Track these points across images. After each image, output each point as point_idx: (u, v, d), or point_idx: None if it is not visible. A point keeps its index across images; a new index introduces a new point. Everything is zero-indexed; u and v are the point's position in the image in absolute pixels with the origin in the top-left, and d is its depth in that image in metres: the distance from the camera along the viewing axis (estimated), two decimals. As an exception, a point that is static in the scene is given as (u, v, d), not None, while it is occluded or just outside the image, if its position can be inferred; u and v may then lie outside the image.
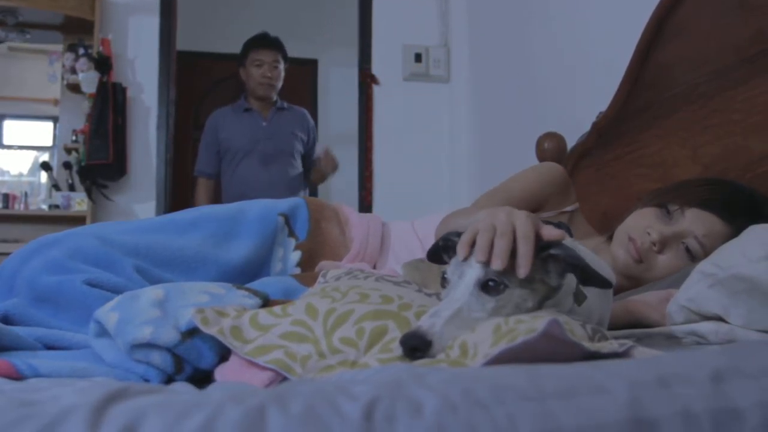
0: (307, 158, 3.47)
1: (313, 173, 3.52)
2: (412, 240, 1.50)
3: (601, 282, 0.82)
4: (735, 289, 0.97)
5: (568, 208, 1.49)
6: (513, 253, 0.78)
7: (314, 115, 4.48)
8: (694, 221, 1.27)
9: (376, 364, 0.74)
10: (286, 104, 3.50)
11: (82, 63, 3.75)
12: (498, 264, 0.77)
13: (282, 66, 3.44)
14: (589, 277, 0.81)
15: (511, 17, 3.12)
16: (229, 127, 3.36)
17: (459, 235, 0.84)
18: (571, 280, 0.84)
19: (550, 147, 2.10)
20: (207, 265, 1.25)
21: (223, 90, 5.53)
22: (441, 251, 0.88)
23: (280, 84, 3.46)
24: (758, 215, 1.23)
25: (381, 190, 3.61)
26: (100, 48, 3.61)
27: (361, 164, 3.76)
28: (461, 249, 0.81)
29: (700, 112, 1.64)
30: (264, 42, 3.43)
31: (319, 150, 3.45)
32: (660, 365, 0.61)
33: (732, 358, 0.64)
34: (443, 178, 3.68)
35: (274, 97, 3.45)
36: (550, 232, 0.82)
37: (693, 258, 1.26)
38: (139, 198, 3.68)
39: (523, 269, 0.78)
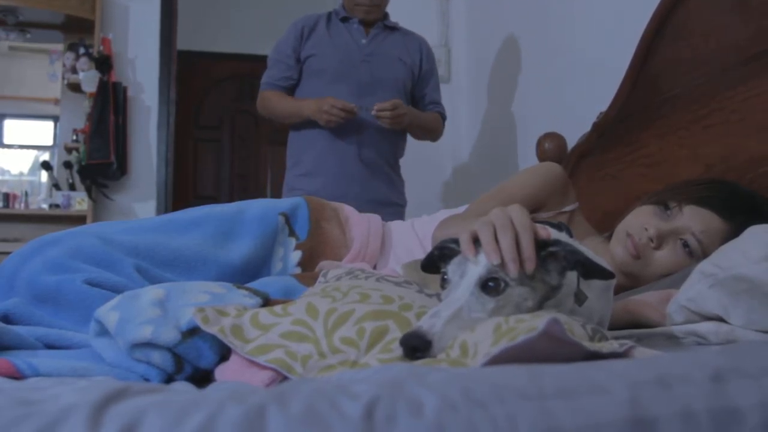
0: (415, 98, 2.61)
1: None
2: (411, 240, 1.50)
3: (602, 273, 0.82)
4: (735, 289, 0.97)
5: (568, 208, 1.49)
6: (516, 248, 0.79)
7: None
8: (692, 217, 1.27)
9: (376, 364, 0.74)
10: (399, 25, 2.66)
11: (83, 62, 3.76)
12: (513, 268, 0.77)
13: None
14: (590, 269, 0.81)
15: (511, 17, 3.12)
16: (319, 37, 2.52)
17: (455, 242, 0.84)
18: (571, 280, 0.84)
19: (550, 147, 2.10)
20: (207, 265, 1.25)
21: (223, 90, 5.54)
22: (436, 260, 0.87)
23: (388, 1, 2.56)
24: (758, 215, 1.23)
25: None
26: (101, 47, 3.62)
27: (362, 164, 3.72)
28: (467, 247, 0.81)
29: (701, 112, 1.64)
30: None
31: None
32: (660, 365, 0.61)
33: (732, 358, 0.64)
34: (443, 178, 3.67)
35: (384, 13, 2.61)
36: (540, 230, 0.82)
37: (691, 254, 1.26)
38: (139, 197, 3.68)
39: (529, 262, 0.78)
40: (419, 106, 2.61)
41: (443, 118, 2.70)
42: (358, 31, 2.55)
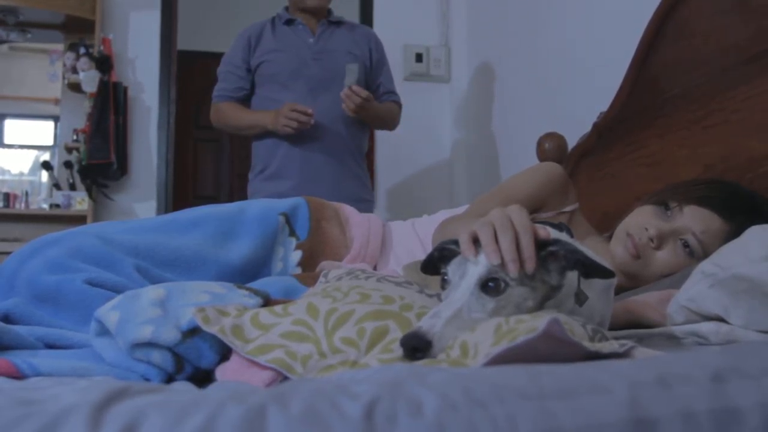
0: (370, 89, 2.54)
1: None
2: (412, 240, 1.50)
3: (602, 272, 0.82)
4: (735, 289, 0.97)
5: (568, 208, 1.49)
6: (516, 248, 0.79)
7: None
8: (693, 218, 1.27)
9: (376, 364, 0.74)
10: (344, 19, 2.68)
11: (83, 62, 3.76)
12: (513, 268, 0.77)
13: None
14: (590, 269, 0.81)
15: (511, 17, 3.12)
16: (267, 43, 2.56)
17: (455, 242, 0.84)
18: (572, 280, 0.84)
19: (550, 147, 2.10)
20: (207, 265, 1.25)
21: (223, 89, 5.54)
22: (436, 261, 0.87)
23: None
24: (758, 215, 1.23)
25: (381, 190, 3.60)
26: (101, 47, 3.62)
27: (362, 164, 3.72)
28: (467, 248, 0.81)
29: (701, 112, 1.64)
30: None
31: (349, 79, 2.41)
32: (660, 365, 0.61)
33: (732, 358, 0.64)
34: (443, 178, 3.68)
35: (328, 9, 2.63)
36: (539, 230, 0.82)
37: (691, 254, 1.26)
38: (139, 197, 3.68)
39: (529, 262, 0.78)
40: (375, 97, 2.58)
41: (399, 106, 2.73)
42: (304, 32, 2.58)
